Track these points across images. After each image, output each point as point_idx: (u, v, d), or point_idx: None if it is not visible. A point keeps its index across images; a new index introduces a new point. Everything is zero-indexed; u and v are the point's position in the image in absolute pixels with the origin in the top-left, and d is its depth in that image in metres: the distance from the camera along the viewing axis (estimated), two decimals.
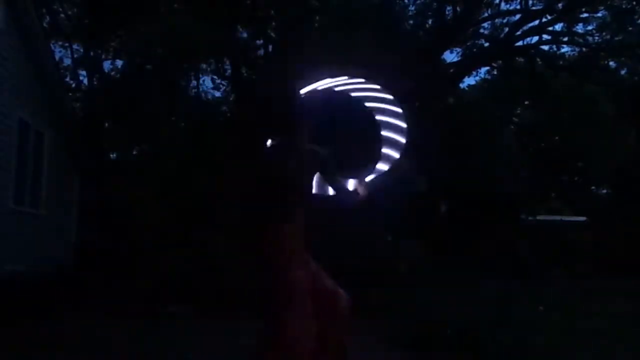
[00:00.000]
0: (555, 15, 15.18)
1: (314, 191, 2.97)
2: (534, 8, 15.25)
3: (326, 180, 2.94)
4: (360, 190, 3.00)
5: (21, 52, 9.01)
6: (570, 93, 15.56)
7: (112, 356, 5.09)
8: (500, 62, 17.34)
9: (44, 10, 13.04)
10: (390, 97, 3.45)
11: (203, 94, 16.22)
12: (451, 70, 16.60)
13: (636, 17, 14.96)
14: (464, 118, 16.21)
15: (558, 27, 15.98)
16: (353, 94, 3.41)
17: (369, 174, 3.19)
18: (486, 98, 18.27)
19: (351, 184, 3.06)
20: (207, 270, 8.61)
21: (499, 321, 5.46)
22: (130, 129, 14.55)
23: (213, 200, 10.61)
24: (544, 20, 15.35)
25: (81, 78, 15.87)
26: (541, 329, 5.62)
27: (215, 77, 15.86)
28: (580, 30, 15.82)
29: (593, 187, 23.69)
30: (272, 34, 14.30)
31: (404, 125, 3.38)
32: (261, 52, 14.95)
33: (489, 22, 16.23)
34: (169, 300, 7.70)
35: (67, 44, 15.18)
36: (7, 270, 7.60)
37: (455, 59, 16.89)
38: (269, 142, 3.01)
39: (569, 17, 15.21)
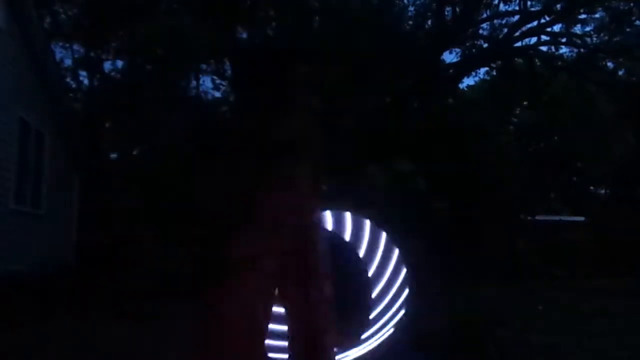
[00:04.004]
0: (553, 16, 15.23)
1: None
2: (532, 9, 15.30)
3: None
4: None
5: (22, 53, 9.02)
6: (569, 93, 15.60)
7: (112, 356, 5.10)
8: (499, 62, 17.37)
9: (45, 11, 13.05)
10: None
11: (203, 94, 16.24)
12: (450, 71, 16.64)
13: (634, 18, 15.02)
14: (463, 118, 16.23)
15: (557, 28, 16.03)
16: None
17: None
18: (485, 98, 18.30)
19: None
20: (206, 269, 8.61)
21: (499, 321, 5.49)
22: (130, 129, 14.56)
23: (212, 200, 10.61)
24: (542, 21, 15.41)
25: (81, 78, 15.86)
26: (541, 329, 5.65)
27: (215, 77, 15.88)
28: (578, 31, 15.88)
29: (592, 187, 23.73)
30: (272, 35, 14.33)
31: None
32: None
33: (488, 23, 16.27)
34: (169, 300, 7.72)
35: (67, 45, 15.18)
36: (8, 270, 7.61)
37: (455, 60, 16.94)
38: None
39: (568, 18, 15.26)
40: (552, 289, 10.71)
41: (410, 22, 15.77)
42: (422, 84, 15.21)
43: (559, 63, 16.26)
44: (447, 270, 11.19)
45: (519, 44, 16.00)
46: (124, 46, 13.79)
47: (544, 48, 16.32)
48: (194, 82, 15.75)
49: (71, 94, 14.31)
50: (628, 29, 15.07)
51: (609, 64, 17.03)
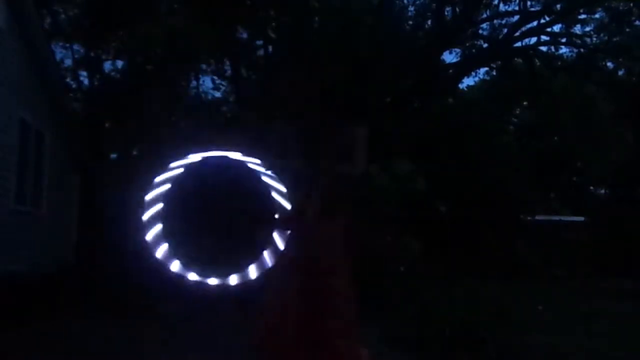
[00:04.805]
0: (553, 16, 15.24)
1: None
2: (532, 9, 15.31)
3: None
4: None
5: (22, 53, 9.02)
6: (568, 93, 15.59)
7: (111, 356, 5.11)
8: (499, 62, 17.39)
9: (45, 11, 13.04)
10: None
11: (203, 94, 16.24)
12: (450, 71, 16.65)
13: (634, 18, 15.04)
14: (463, 118, 16.23)
15: (556, 28, 16.05)
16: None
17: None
18: (485, 98, 18.30)
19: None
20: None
21: (499, 321, 5.49)
22: (130, 129, 14.54)
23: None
24: (542, 21, 15.42)
25: (82, 78, 15.86)
26: (541, 329, 5.66)
27: (215, 77, 15.90)
28: (578, 32, 15.89)
29: (592, 187, 23.73)
30: (272, 35, 14.34)
31: None
32: (261, 52, 14.99)
33: (488, 23, 16.28)
34: (168, 300, 7.73)
35: (67, 45, 15.16)
36: (8, 270, 7.61)
37: (455, 60, 16.95)
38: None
39: (568, 18, 15.28)
40: (552, 289, 10.72)
41: (410, 22, 15.78)
42: (422, 84, 15.21)
43: (559, 63, 16.26)
44: (446, 270, 11.20)
45: (518, 44, 16.02)
46: (124, 46, 13.76)
47: (544, 48, 16.33)
48: (194, 82, 15.77)
49: (71, 94, 14.30)
50: (628, 29, 15.09)
51: (609, 64, 17.06)
